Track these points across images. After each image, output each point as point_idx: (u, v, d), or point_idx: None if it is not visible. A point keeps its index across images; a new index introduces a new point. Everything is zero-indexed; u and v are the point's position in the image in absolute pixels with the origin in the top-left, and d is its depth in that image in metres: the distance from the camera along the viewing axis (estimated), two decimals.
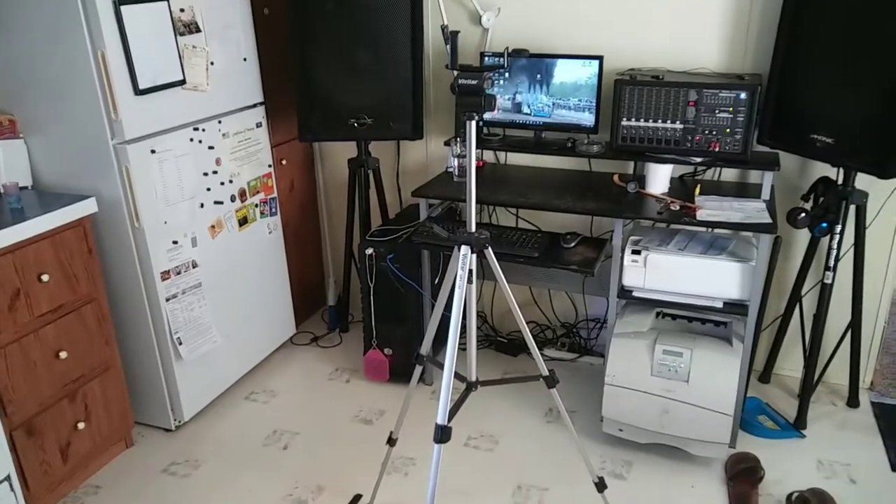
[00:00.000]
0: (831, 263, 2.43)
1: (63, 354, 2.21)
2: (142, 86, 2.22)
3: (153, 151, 2.32)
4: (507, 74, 2.68)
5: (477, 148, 2.80)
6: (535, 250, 2.41)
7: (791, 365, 2.87)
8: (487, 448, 2.53)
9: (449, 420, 1.76)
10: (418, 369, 2.06)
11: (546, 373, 2.00)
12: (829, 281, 2.46)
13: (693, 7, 2.54)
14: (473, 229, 1.82)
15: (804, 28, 2.26)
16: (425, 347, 2.03)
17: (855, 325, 2.56)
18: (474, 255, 1.81)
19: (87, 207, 2.22)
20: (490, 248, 1.84)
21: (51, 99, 2.22)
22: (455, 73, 1.71)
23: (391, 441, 2.14)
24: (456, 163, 2.73)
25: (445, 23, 2.84)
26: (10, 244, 2.00)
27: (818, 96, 2.25)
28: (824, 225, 2.38)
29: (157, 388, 2.56)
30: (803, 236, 2.64)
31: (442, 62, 2.93)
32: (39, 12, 2.11)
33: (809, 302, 2.66)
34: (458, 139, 2.72)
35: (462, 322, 1.81)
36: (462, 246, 1.79)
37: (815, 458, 2.44)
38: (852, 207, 2.41)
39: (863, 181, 2.37)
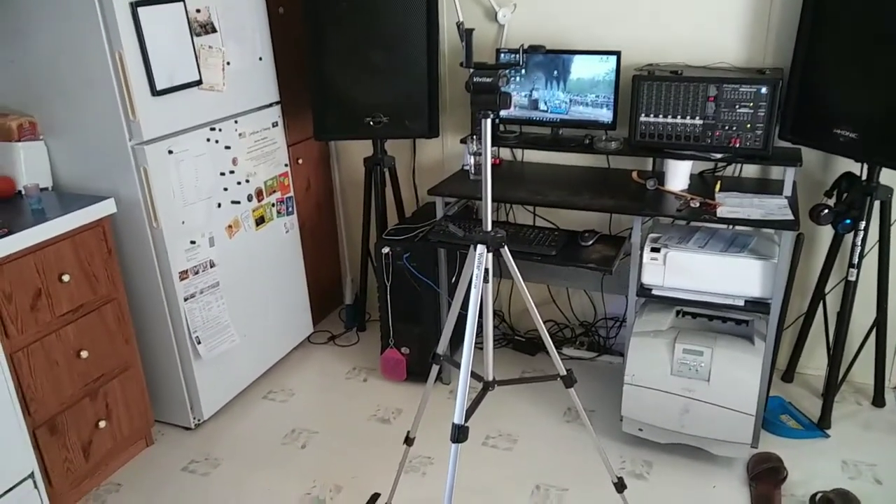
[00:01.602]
0: (855, 260, 2.38)
1: (84, 354, 2.23)
2: (159, 87, 2.24)
3: (170, 152, 2.33)
4: (523, 71, 2.66)
5: (493, 145, 2.83)
6: (552, 248, 2.39)
7: (815, 364, 2.82)
8: (506, 447, 2.52)
9: (466, 420, 1.74)
10: (435, 368, 2.05)
11: (564, 372, 1.98)
12: (853, 278, 2.41)
13: (712, 1, 2.50)
14: (489, 228, 1.80)
15: (827, 20, 2.21)
16: (442, 347, 2.02)
17: (880, 323, 2.51)
18: (490, 255, 1.80)
19: (106, 208, 2.24)
20: (506, 247, 1.82)
21: (70, 101, 2.24)
22: (470, 70, 1.70)
23: (409, 440, 2.14)
24: (472, 160, 2.72)
25: (461, 19, 2.83)
26: (31, 245, 2.03)
27: (841, 90, 2.21)
28: (848, 221, 2.34)
29: (176, 386, 2.58)
30: (826, 233, 2.60)
31: (457, 59, 2.91)
32: (57, 15, 2.13)
33: (833, 300, 2.62)
34: (475, 137, 2.71)
35: (479, 321, 1.80)
36: (478, 245, 1.78)
37: (839, 458, 2.40)
38: (877, 203, 2.36)
39: (887, 176, 2.33)
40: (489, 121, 1.70)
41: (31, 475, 2.05)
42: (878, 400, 2.65)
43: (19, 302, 2.02)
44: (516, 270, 1.87)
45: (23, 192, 2.23)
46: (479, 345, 2.13)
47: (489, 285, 1.87)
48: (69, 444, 2.23)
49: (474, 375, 1.90)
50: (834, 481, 2.28)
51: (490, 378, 2.00)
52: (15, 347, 2.02)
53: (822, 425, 2.53)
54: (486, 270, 1.80)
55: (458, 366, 1.78)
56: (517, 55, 2.62)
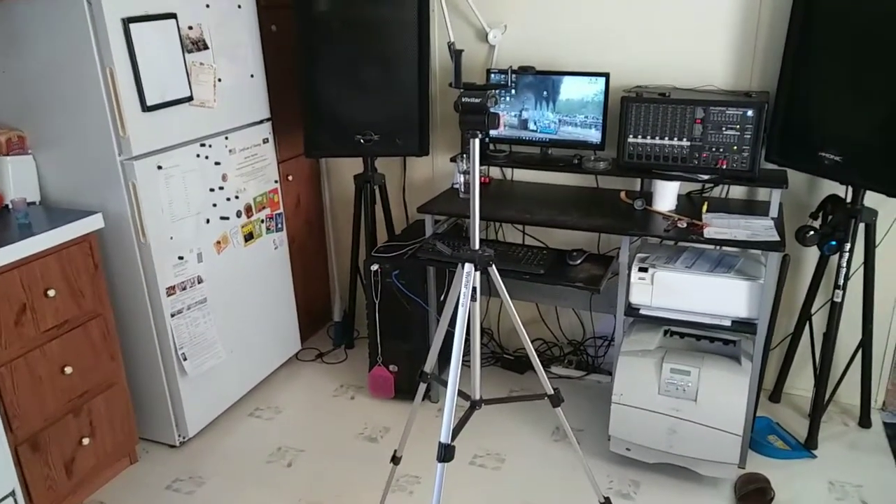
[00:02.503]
0: (841, 282, 2.41)
1: (68, 370, 2.21)
2: (149, 102, 2.24)
3: (160, 167, 2.33)
4: (513, 91, 2.69)
5: (483, 164, 2.84)
6: (540, 267, 2.39)
7: (802, 384, 2.84)
8: (493, 467, 2.51)
9: (453, 438, 1.74)
10: (422, 387, 2.04)
11: (551, 391, 1.98)
12: (838, 299, 2.43)
13: (700, 24, 2.54)
14: (477, 246, 1.81)
15: (812, 45, 2.25)
16: (429, 365, 2.02)
17: (866, 345, 2.53)
18: (478, 273, 1.80)
19: (93, 223, 2.23)
20: (494, 266, 1.83)
21: (60, 115, 2.24)
22: (460, 91, 1.71)
23: (395, 459, 2.13)
24: (462, 179, 2.73)
25: (452, 40, 2.85)
26: (17, 259, 2.01)
27: (826, 114, 2.24)
28: (833, 243, 2.36)
29: (161, 403, 2.56)
30: (812, 254, 2.62)
31: (448, 79, 2.93)
32: (49, 30, 2.13)
33: (819, 321, 2.63)
34: (464, 156, 2.72)
35: (466, 339, 1.80)
36: (465, 263, 1.79)
37: (826, 478, 2.40)
38: (861, 225, 2.38)
39: (872, 199, 2.35)
40: (477, 140, 1.71)
41: (12, 493, 2.02)
42: (865, 420, 2.66)
43: (3, 317, 2.00)
44: (504, 288, 1.87)
45: (10, 206, 2.22)
46: (466, 363, 2.13)
47: (477, 303, 1.87)
48: (51, 461, 2.20)
49: (461, 394, 1.89)
50: (821, 502, 2.29)
51: (477, 396, 1.99)
52: None
53: (808, 446, 2.54)
54: (474, 288, 1.80)
55: (445, 384, 1.78)
56: (506, 76, 2.64)
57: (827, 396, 2.56)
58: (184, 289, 2.48)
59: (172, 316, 2.45)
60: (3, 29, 2.19)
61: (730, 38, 2.52)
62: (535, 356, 1.98)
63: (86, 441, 2.30)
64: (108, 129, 2.20)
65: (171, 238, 2.41)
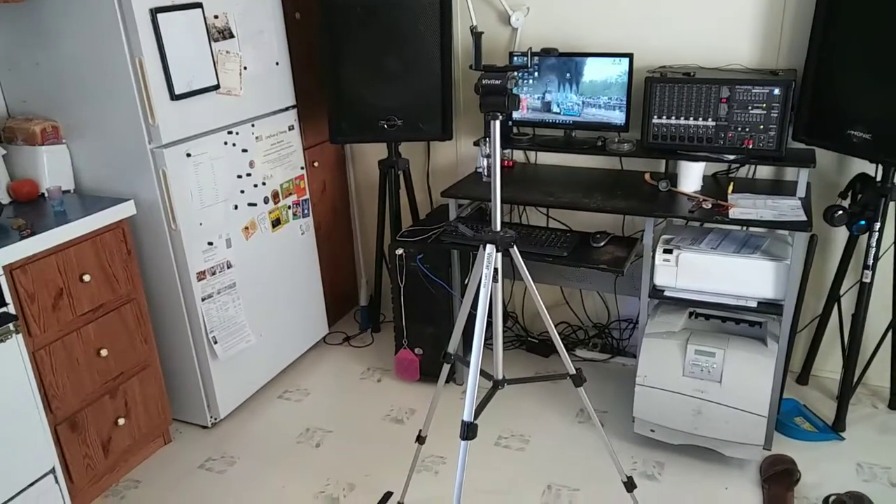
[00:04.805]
0: (870, 262, 2.37)
1: (104, 352, 2.28)
2: (177, 91, 2.28)
3: (189, 155, 2.38)
4: (536, 74, 2.68)
5: (506, 148, 2.85)
6: (563, 250, 2.40)
7: (830, 366, 2.80)
8: (518, 447, 2.53)
9: (475, 417, 1.76)
10: (446, 368, 2.07)
11: (573, 371, 1.99)
12: (867, 280, 2.39)
13: (725, 2, 2.50)
14: (499, 228, 1.83)
15: (840, 21, 2.21)
16: (453, 346, 2.05)
17: (895, 326, 2.49)
18: (499, 254, 1.82)
19: (125, 210, 2.29)
20: (515, 247, 1.84)
21: (91, 105, 2.30)
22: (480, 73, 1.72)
23: (420, 439, 2.16)
24: (485, 163, 2.74)
25: (474, 23, 2.85)
26: (53, 245, 2.08)
27: (855, 91, 2.20)
28: (862, 223, 2.33)
29: (193, 386, 2.62)
30: (841, 234, 2.58)
31: (471, 62, 2.93)
32: (80, 22, 2.18)
33: (848, 302, 2.60)
34: (487, 139, 2.72)
35: (489, 321, 1.82)
36: (487, 245, 1.80)
37: (854, 461, 2.38)
38: (892, 205, 2.34)
39: None
40: (497, 122, 1.72)
41: (52, 471, 2.10)
42: (894, 403, 2.62)
43: (42, 301, 2.07)
44: (525, 269, 1.89)
45: (46, 195, 2.29)
46: (490, 345, 2.15)
47: (499, 285, 1.89)
48: (89, 440, 2.28)
49: (484, 374, 1.92)
50: (848, 484, 2.27)
51: (500, 377, 2.01)
52: (37, 346, 2.07)
53: (836, 428, 2.52)
54: (496, 270, 1.82)
55: (468, 364, 1.80)
56: (527, 58, 2.64)
57: (855, 378, 2.53)
58: (213, 274, 2.54)
59: (203, 300, 2.51)
60: (35, 22, 2.25)
61: (756, 15, 2.48)
62: (556, 335, 1.99)
63: (121, 421, 2.38)
64: (138, 118, 2.25)
65: (201, 224, 2.46)
